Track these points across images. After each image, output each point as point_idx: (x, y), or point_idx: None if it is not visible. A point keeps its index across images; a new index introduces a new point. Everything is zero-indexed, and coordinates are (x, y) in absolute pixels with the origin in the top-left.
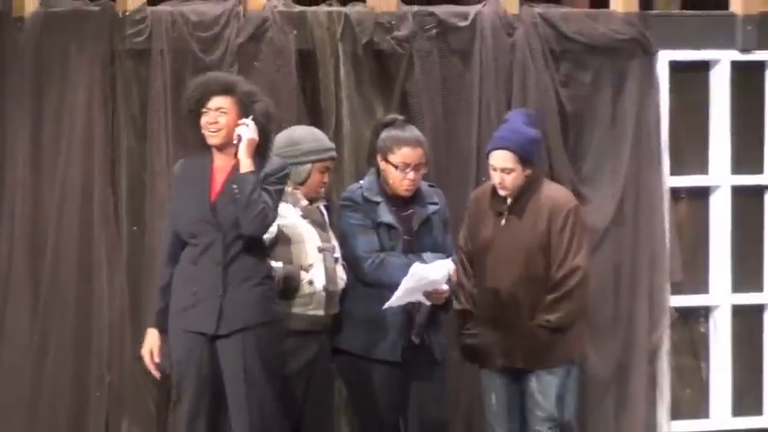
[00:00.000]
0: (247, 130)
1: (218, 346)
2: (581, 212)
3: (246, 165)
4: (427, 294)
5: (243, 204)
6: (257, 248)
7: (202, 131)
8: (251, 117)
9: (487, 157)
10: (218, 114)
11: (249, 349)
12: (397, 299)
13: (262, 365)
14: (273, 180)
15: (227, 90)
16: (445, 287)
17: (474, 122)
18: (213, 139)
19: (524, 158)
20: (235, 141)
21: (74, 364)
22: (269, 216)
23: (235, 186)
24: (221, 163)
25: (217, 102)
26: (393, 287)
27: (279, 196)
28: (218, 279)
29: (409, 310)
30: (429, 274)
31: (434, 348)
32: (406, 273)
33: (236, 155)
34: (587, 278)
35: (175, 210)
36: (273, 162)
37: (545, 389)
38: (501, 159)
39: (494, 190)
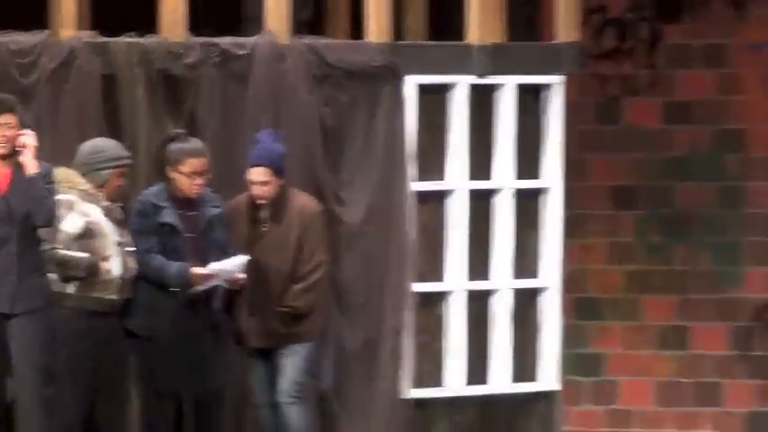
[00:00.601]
0: (31, 139)
1: (9, 325)
2: (324, 216)
3: (34, 167)
4: (227, 282)
5: (37, 200)
6: (39, 242)
7: None
8: (29, 128)
9: (247, 174)
10: (5, 129)
11: (36, 327)
12: (201, 286)
13: (44, 342)
14: (48, 180)
15: (12, 108)
16: (241, 276)
17: (251, 138)
18: (1, 150)
19: (277, 171)
20: (19, 149)
21: None
22: (54, 209)
23: (27, 186)
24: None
25: (5, 118)
26: (157, 280)
27: (53, 193)
28: (12, 267)
29: (190, 297)
30: (227, 267)
31: (222, 327)
32: (165, 269)
33: (17, 161)
34: (327, 271)
35: None
36: (43, 167)
37: (292, 363)
38: (258, 174)
39: (251, 201)
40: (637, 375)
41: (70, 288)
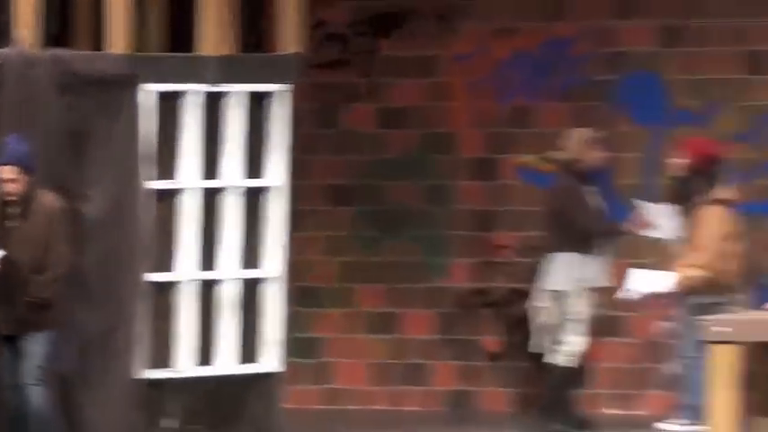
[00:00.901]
0: None
1: None
2: (67, 212)
3: None
4: None
5: None
6: None
7: None
8: None
9: None
10: None
11: None
12: None
13: None
14: None
15: None
16: None
17: (1, 141)
18: None
19: (26, 170)
20: None
21: None
22: None
23: None
24: None
25: None
26: None
27: None
28: None
29: None
30: None
31: None
32: None
33: None
34: (70, 263)
35: None
36: None
37: (35, 348)
38: (7, 172)
39: (1, 199)
40: (351, 357)
41: None
